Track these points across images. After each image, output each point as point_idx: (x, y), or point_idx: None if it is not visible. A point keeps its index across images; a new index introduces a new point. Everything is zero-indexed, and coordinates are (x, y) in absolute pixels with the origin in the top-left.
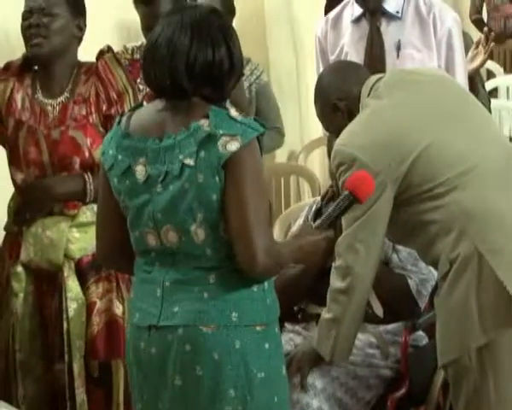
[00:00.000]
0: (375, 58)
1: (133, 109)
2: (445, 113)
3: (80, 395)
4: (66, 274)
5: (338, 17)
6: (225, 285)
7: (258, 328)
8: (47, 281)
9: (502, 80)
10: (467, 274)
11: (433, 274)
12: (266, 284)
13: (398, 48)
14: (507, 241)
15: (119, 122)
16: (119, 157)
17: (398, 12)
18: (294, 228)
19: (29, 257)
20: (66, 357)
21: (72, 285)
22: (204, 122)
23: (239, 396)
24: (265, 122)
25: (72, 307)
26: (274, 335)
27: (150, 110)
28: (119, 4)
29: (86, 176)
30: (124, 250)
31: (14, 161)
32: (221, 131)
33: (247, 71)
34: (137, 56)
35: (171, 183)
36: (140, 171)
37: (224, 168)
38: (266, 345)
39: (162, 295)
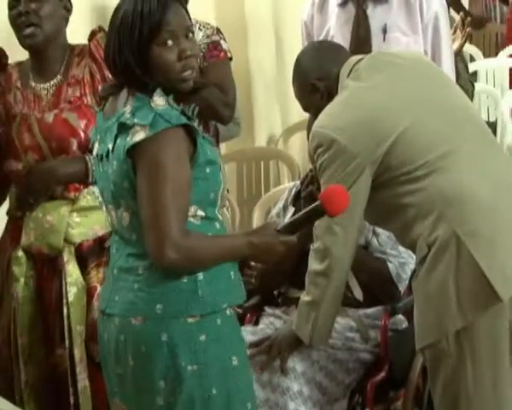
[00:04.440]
0: (361, 41)
1: None
2: (424, 96)
3: (82, 380)
4: (65, 259)
5: (324, 0)
6: (153, 276)
7: (189, 320)
8: (47, 266)
9: (481, 64)
10: (445, 257)
11: (413, 258)
12: (202, 275)
13: (385, 31)
14: (485, 224)
15: None
16: (93, 132)
17: None
18: (274, 211)
19: (29, 241)
20: (66, 342)
21: (72, 270)
22: (128, 109)
23: (169, 388)
24: None
25: (72, 291)
26: (214, 326)
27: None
28: None
29: (87, 157)
30: None
31: (11, 154)
32: (135, 120)
33: None
34: None
35: (105, 164)
36: (96, 148)
37: (132, 158)
38: (202, 337)
39: (112, 282)
